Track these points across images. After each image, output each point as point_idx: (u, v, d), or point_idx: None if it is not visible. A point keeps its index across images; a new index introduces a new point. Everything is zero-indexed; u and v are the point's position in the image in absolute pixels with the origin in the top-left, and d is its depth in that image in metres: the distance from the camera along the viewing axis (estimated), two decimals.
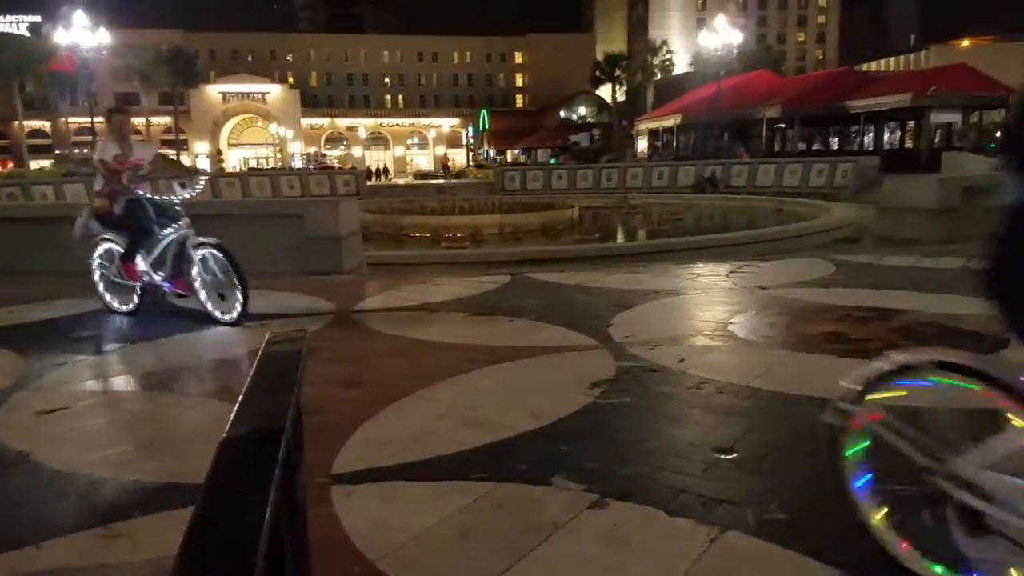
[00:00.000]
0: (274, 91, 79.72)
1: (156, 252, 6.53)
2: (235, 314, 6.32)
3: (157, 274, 6.58)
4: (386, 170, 58.57)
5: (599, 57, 73.62)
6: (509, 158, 60.84)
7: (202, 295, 6.43)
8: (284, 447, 1.02)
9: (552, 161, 53.64)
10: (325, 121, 77.52)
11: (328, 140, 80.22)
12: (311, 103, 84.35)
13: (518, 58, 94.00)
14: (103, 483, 3.38)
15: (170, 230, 6.51)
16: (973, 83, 33.99)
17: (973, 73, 34.79)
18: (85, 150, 59.82)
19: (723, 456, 3.55)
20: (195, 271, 6.35)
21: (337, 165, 61.89)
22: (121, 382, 5.15)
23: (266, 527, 0.85)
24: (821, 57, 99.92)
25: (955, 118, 35.40)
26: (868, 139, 38.41)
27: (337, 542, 2.76)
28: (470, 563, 2.66)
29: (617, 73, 66.13)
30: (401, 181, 47.59)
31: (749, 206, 24.09)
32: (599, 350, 5.41)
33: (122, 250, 6.64)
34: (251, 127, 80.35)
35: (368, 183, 40.21)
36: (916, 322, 5.99)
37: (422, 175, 52.81)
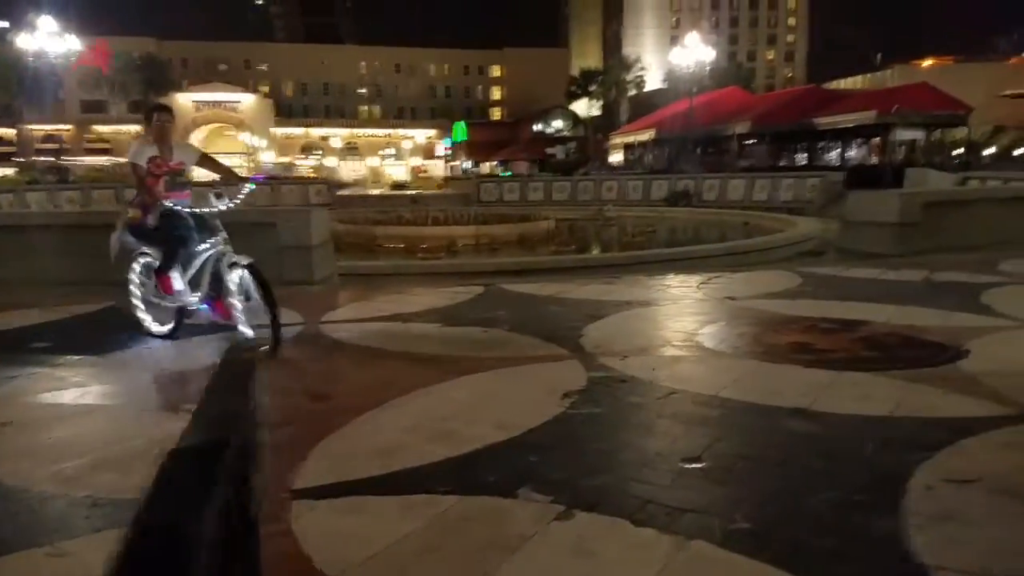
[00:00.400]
0: (247, 100, 79.08)
1: (192, 270, 5.85)
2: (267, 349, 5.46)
3: (193, 295, 5.88)
4: (363, 181, 58.28)
5: (574, 72, 74.41)
6: (487, 170, 60.92)
7: (241, 323, 5.64)
8: (234, 458, 1.00)
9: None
10: (300, 131, 77.05)
11: (303, 150, 79.74)
12: (286, 112, 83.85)
13: (495, 71, 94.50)
14: (53, 499, 3.29)
15: (206, 245, 5.81)
16: (935, 102, 34.91)
17: (935, 92, 35.73)
18: (51, 158, 58.72)
19: (690, 465, 3.56)
20: (232, 293, 5.61)
21: (303, 175, 61.39)
22: (79, 394, 5.03)
23: (209, 542, 0.83)
24: (790, 75, 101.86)
25: (918, 135, 36.29)
26: (834, 155, 39.20)
27: (295, 559, 2.70)
28: None
29: (592, 88, 66.79)
30: (375, 191, 47.37)
31: (720, 219, 24.39)
32: (570, 360, 5.41)
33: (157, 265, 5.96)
34: (223, 136, 79.54)
35: (340, 193, 39.97)
36: (879, 333, 6.09)
37: (397, 186, 52.57)
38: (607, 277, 9.64)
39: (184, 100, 77.19)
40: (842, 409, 4.27)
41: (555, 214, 22.57)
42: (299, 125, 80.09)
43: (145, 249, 6.08)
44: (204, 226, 5.84)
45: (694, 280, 9.03)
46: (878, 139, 36.93)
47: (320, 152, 76.36)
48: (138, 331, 6.26)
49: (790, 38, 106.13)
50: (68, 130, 75.58)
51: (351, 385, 5.01)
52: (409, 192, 42.04)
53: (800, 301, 7.57)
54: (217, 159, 6.72)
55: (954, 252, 10.31)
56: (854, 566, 2.67)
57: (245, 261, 5.62)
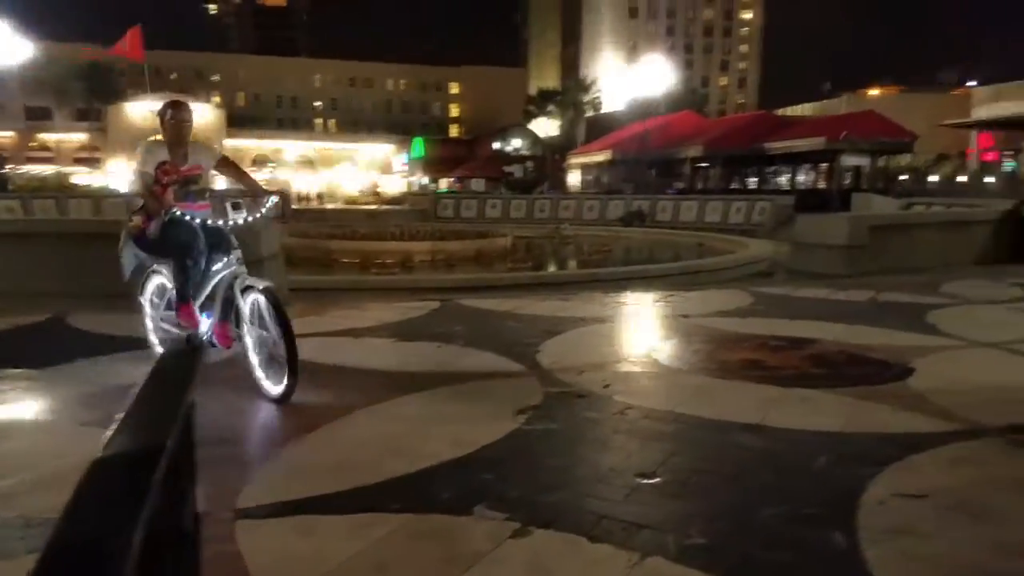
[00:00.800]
0: (199, 110, 77.83)
1: (205, 291, 5.13)
2: (282, 387, 4.66)
3: (205, 323, 5.14)
4: (319, 196, 57.48)
5: (532, 92, 75.27)
6: (444, 186, 60.84)
7: (252, 354, 4.87)
8: (164, 469, 0.93)
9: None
10: (251, 143, 75.73)
11: (255, 162, 78.44)
12: (237, 124, 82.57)
13: (453, 88, 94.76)
14: None
15: (220, 264, 5.09)
16: (882, 129, 36.21)
17: (881, 120, 37.09)
18: None
19: (645, 481, 3.55)
20: (245, 321, 4.85)
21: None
22: (14, 409, 4.78)
23: (135, 559, 0.76)
24: (742, 101, 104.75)
25: (864, 161, 37.56)
26: (784, 179, 40.32)
27: None
28: None
29: (550, 108, 67.53)
30: (330, 206, 46.81)
31: (674, 240, 24.76)
32: (526, 376, 5.38)
33: (171, 285, 5.21)
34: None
35: (293, 207, 39.40)
36: (828, 351, 6.21)
37: (352, 200, 52.09)
38: (564, 294, 9.68)
39: (131, 109, 75.42)
40: (793, 424, 4.32)
41: (512, 232, 22.60)
42: (252, 136, 78.80)
43: (157, 266, 5.37)
44: (219, 242, 5.07)
45: (649, 298, 9.12)
46: (827, 164, 38.11)
47: (273, 165, 75.23)
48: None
49: (742, 65, 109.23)
50: (10, 137, 73.03)
51: (301, 400, 4.88)
52: (365, 207, 41.72)
53: (751, 319, 7.70)
54: (240, 165, 5.79)
55: (899, 274, 10.67)
56: None
57: (262, 285, 4.79)
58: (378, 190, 59.41)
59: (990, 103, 35.93)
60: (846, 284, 9.84)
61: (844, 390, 5.01)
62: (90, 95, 69.41)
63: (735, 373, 5.52)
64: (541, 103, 67.94)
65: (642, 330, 7.25)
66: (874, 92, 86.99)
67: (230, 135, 75.83)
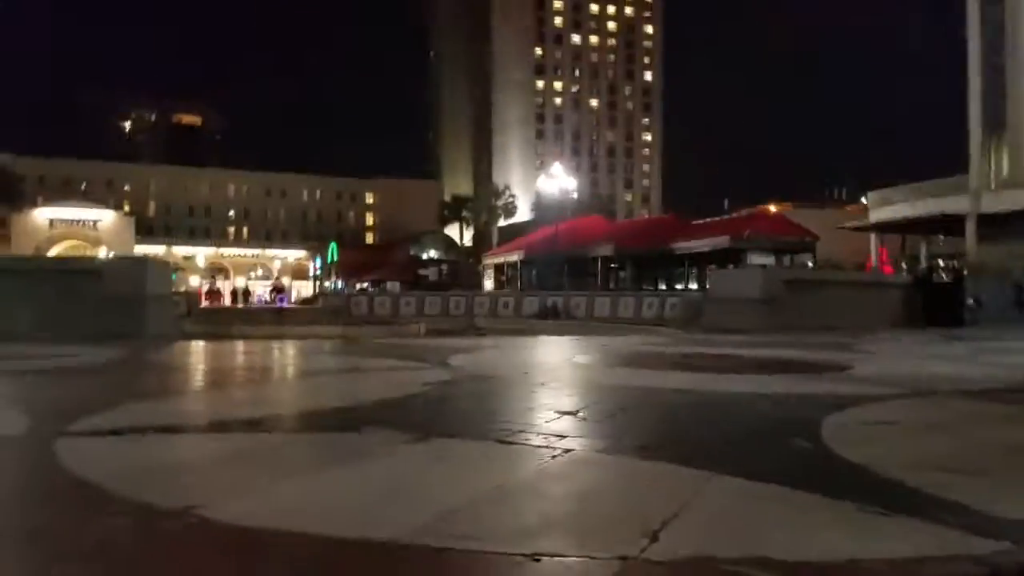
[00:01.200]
0: (107, 218, 74.95)
1: None
2: None
3: None
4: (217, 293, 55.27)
5: (446, 198, 76.99)
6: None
7: None
8: None
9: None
10: (161, 249, 73.32)
11: None
12: (147, 231, 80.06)
13: (368, 198, 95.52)
14: None
15: None
16: (784, 229, 38.23)
17: (784, 220, 39.27)
18: None
19: (567, 414, 3.09)
20: None
21: None
22: None
23: None
24: (647, 215, 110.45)
25: (769, 260, 39.40)
26: (693, 277, 41.82)
27: None
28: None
29: (464, 213, 68.97)
30: (240, 306, 45.03)
31: (586, 327, 24.86)
32: (439, 369, 4.88)
33: None
34: (79, 253, 74.24)
35: (203, 306, 37.62)
36: (760, 358, 6.01)
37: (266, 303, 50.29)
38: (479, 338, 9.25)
39: (38, 216, 72.24)
40: (731, 389, 4.00)
41: (428, 325, 22.16)
42: (160, 243, 76.43)
43: None
44: None
45: (565, 338, 8.82)
46: (731, 265, 39.79)
47: (181, 271, 72.80)
48: None
49: (646, 182, 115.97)
50: None
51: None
52: (276, 306, 40.28)
53: (672, 347, 7.47)
54: None
55: (814, 332, 10.58)
56: (790, 465, 2.25)
57: None
58: (280, 288, 57.75)
59: (877, 208, 38.86)
60: (757, 341, 9.77)
61: (788, 376, 4.75)
62: None
63: (661, 368, 5.19)
64: (455, 208, 69.36)
65: (563, 349, 6.88)
66: (771, 208, 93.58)
67: (139, 242, 73.31)
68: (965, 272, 19.46)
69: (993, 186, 29.65)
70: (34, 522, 1.61)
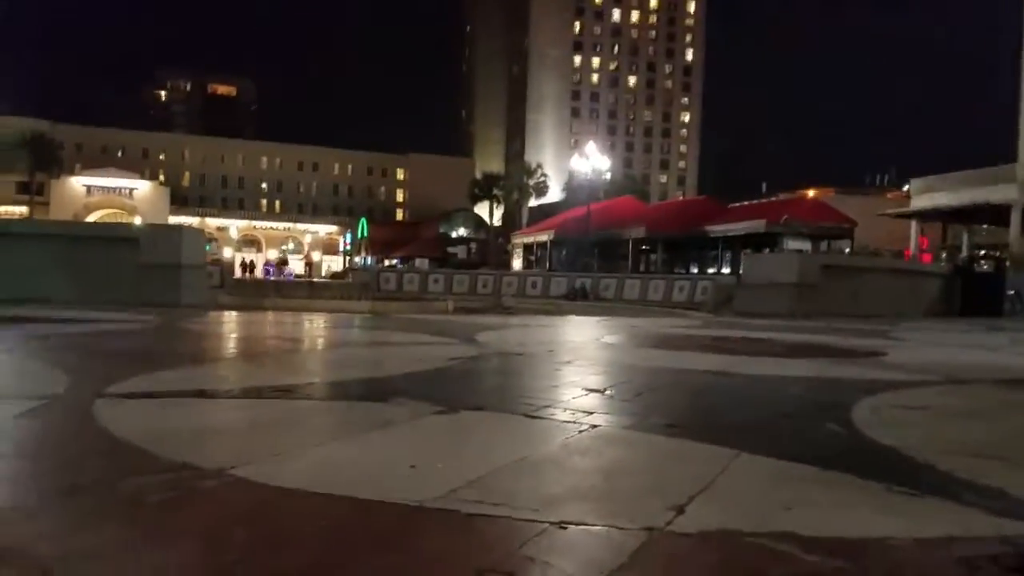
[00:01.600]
0: (142, 187, 76.20)
1: None
2: None
3: None
4: (252, 265, 55.97)
5: (477, 176, 76.77)
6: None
7: None
8: None
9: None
10: (195, 220, 74.44)
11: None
12: (182, 202, 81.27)
13: (399, 174, 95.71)
14: None
15: None
16: (822, 215, 37.41)
17: (822, 206, 38.40)
18: None
19: (595, 392, 3.11)
20: None
21: None
22: None
23: None
24: (681, 197, 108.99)
25: (806, 246, 38.70)
26: (727, 262, 41.29)
27: None
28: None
29: (495, 191, 68.70)
30: (272, 278, 45.75)
31: (613, 309, 24.78)
32: (466, 345, 4.91)
33: None
34: (115, 221, 75.79)
35: (235, 277, 38.27)
36: (794, 343, 5.94)
37: (297, 276, 50.98)
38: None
39: (76, 183, 73.67)
40: (762, 372, 3.97)
41: (455, 303, 22.30)
42: (194, 214, 77.58)
43: None
44: None
45: (594, 319, 8.80)
46: (767, 249, 39.17)
47: (215, 242, 74.01)
48: None
49: (681, 164, 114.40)
50: None
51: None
52: (307, 279, 40.82)
53: (704, 329, 7.42)
54: None
55: (849, 319, 10.45)
56: (820, 446, 2.24)
57: None
58: (311, 262, 58.14)
59: (920, 195, 37.94)
60: (792, 326, 9.68)
61: (817, 360, 4.70)
62: (34, 167, 67.50)
63: (690, 349, 5.17)
64: (486, 186, 69.14)
65: (592, 328, 6.87)
66: (810, 193, 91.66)
67: (173, 212, 74.51)
68: (1007, 263, 18.96)
69: None
70: (74, 479, 1.67)
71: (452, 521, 1.42)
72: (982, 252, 35.43)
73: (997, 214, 30.35)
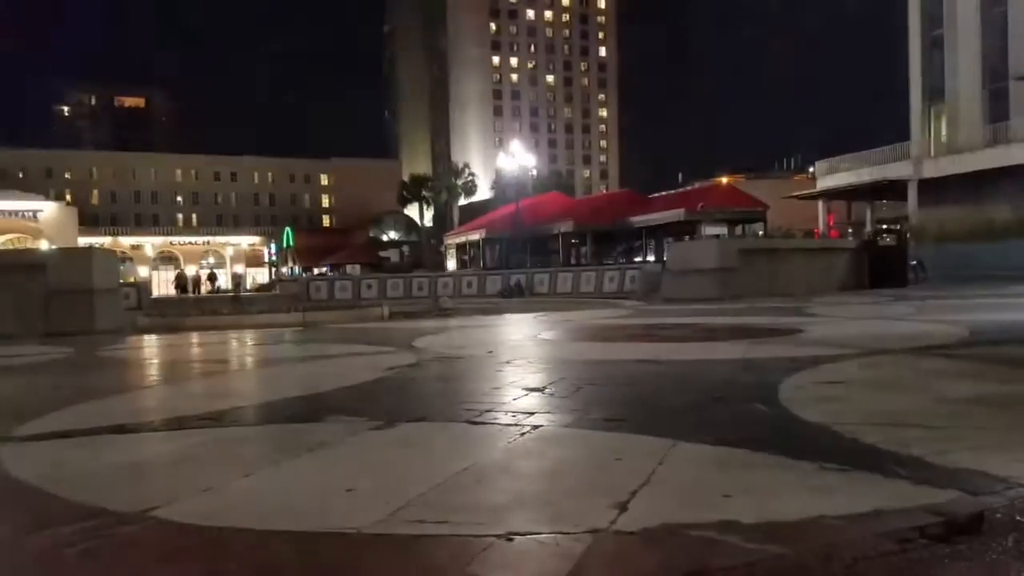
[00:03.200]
0: (47, 209, 72.09)
1: None
2: None
3: None
4: (212, 277, 52.98)
5: (405, 178, 75.97)
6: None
7: None
8: None
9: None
10: (107, 240, 71.08)
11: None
12: (91, 222, 77.43)
13: (324, 180, 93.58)
14: None
15: None
16: (736, 200, 38.84)
17: (736, 192, 39.87)
18: None
19: (534, 391, 3.11)
20: None
21: None
22: None
23: None
24: (605, 190, 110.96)
25: (723, 231, 40.06)
26: (652, 250, 42.27)
27: None
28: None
29: (424, 193, 68.19)
30: (191, 295, 44.09)
31: (554, 304, 25.00)
32: (403, 352, 4.84)
33: None
34: (19, 246, 71.46)
35: (154, 296, 36.64)
36: (717, 326, 6.10)
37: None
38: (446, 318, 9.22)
39: None
40: (691, 356, 4.06)
41: (391, 308, 22.02)
42: (106, 234, 74.06)
43: None
44: None
45: (529, 316, 8.84)
46: (687, 236, 40.30)
47: (130, 261, 70.84)
48: None
49: (603, 158, 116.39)
50: None
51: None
52: (230, 293, 39.46)
53: (634, 320, 7.55)
54: None
55: (768, 298, 10.88)
56: (751, 428, 2.29)
57: None
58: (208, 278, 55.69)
59: (824, 176, 39.74)
60: (713, 309, 9.97)
61: (741, 341, 4.83)
62: None
63: (624, 340, 5.25)
64: (414, 188, 68.53)
65: (528, 326, 6.89)
66: (723, 179, 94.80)
67: (83, 233, 70.92)
68: (908, 235, 20.07)
69: (932, 153, 30.57)
70: None
71: (393, 546, 1.38)
72: (884, 227, 37.41)
73: (896, 190, 32.13)
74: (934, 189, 28.61)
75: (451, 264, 56.88)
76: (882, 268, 13.29)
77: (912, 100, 31.68)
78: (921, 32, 30.53)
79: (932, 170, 29.39)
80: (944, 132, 30.36)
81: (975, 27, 28.04)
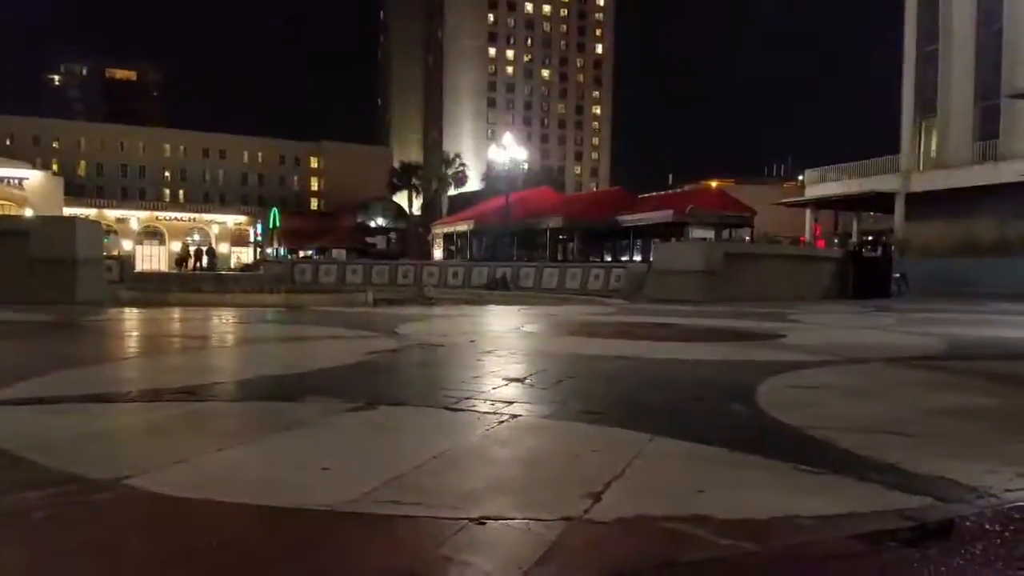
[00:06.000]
0: (33, 177, 71.04)
1: None
2: None
3: None
4: (211, 252, 52.04)
5: (396, 165, 75.59)
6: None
7: None
8: None
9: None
10: (92, 211, 70.20)
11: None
12: (77, 192, 76.49)
13: (313, 163, 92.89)
14: None
15: None
16: (724, 204, 39.11)
17: (724, 196, 40.15)
18: None
19: (515, 380, 3.10)
20: None
21: None
22: None
23: None
24: (595, 188, 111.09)
25: (709, 234, 40.29)
26: (638, 249, 42.41)
27: None
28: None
29: (414, 181, 67.93)
30: (175, 271, 43.76)
31: (537, 297, 25.03)
32: (386, 337, 4.82)
33: None
34: (3, 213, 70.45)
35: (138, 271, 36.31)
36: (700, 327, 6.13)
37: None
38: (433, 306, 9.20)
39: None
40: (672, 356, 4.07)
41: (375, 294, 21.95)
42: (91, 206, 73.15)
43: None
44: None
45: (513, 308, 8.84)
46: (674, 238, 40.49)
47: (114, 234, 70.08)
48: None
49: (594, 155, 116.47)
50: None
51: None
52: (215, 272, 39.21)
53: (617, 318, 7.56)
54: None
55: (752, 303, 10.93)
56: (728, 428, 2.30)
57: None
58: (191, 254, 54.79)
59: (813, 185, 40.02)
60: (700, 312, 10.01)
61: (722, 343, 4.86)
62: None
63: (606, 336, 5.26)
64: (404, 176, 68.26)
65: (512, 318, 6.89)
66: (713, 183, 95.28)
67: (68, 204, 70.03)
68: (893, 248, 20.27)
69: (921, 167, 30.85)
70: None
71: (367, 524, 1.37)
72: (870, 238, 37.79)
73: (883, 202, 32.39)
74: (921, 203, 28.88)
75: (438, 253, 56.78)
76: (866, 279, 13.41)
77: (904, 114, 31.93)
78: (916, 46, 30.76)
79: (920, 184, 29.67)
80: (934, 147, 30.61)
81: (970, 44, 28.28)
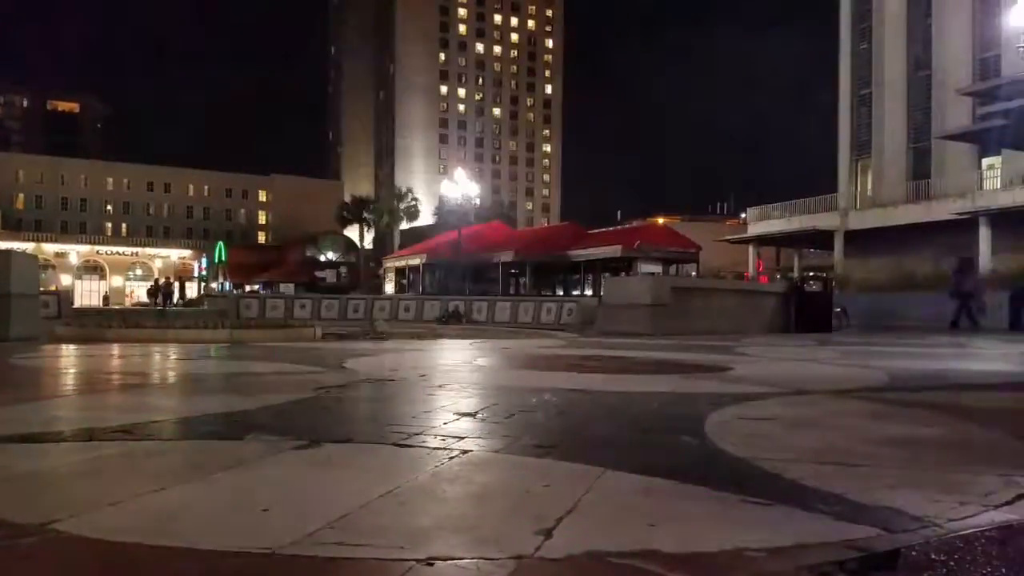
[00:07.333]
0: None
1: None
2: None
3: None
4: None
5: (347, 199, 75.05)
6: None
7: None
8: None
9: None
10: (29, 245, 67.55)
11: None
12: (14, 226, 73.70)
13: (262, 196, 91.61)
14: None
15: None
16: (671, 240, 39.99)
17: (671, 232, 41.06)
18: None
19: (467, 415, 3.07)
20: None
21: None
22: None
23: None
24: (547, 223, 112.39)
25: (657, 269, 41.01)
26: (589, 284, 42.87)
27: None
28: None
29: (365, 215, 67.48)
30: (116, 306, 42.34)
31: (495, 331, 24.98)
32: (335, 372, 4.73)
33: None
34: None
35: (76, 306, 34.94)
36: (650, 360, 6.18)
37: (142, 304, 47.51)
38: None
39: None
40: (622, 388, 4.09)
41: (324, 329, 21.58)
42: (28, 239, 70.49)
43: None
44: None
45: (466, 342, 8.80)
46: (623, 272, 41.12)
47: (52, 268, 67.56)
48: None
49: (545, 192, 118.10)
50: None
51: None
52: (156, 308, 37.99)
53: (569, 351, 7.59)
54: None
55: (699, 336, 11.15)
56: (678, 460, 2.30)
57: None
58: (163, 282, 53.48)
59: (756, 222, 41.26)
60: (647, 344, 10.15)
61: (671, 376, 4.90)
62: None
63: (558, 369, 5.26)
64: (356, 210, 67.76)
65: (463, 350, 6.85)
66: (660, 220, 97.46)
67: (4, 237, 67.32)
68: (833, 283, 20.95)
69: (858, 205, 32.16)
70: None
71: (309, 568, 1.32)
72: (811, 274, 39.11)
73: (823, 239, 33.59)
74: (859, 239, 30.03)
75: (389, 288, 56.26)
76: (808, 313, 13.80)
77: (840, 154, 33.38)
78: (851, 90, 32.30)
79: (857, 222, 30.89)
80: (870, 186, 31.99)
81: (901, 89, 29.81)
